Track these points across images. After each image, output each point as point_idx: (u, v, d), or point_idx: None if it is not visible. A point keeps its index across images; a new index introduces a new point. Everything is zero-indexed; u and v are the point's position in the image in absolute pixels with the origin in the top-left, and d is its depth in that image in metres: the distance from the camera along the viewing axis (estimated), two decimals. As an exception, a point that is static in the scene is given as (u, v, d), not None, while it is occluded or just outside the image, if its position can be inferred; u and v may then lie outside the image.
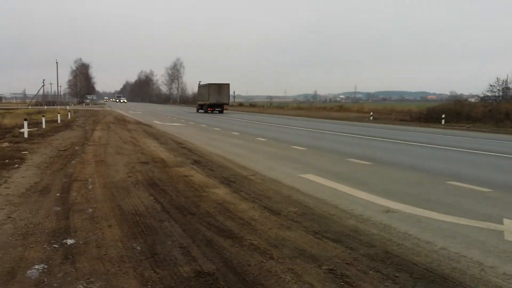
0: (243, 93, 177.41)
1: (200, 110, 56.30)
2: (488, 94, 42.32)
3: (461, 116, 33.51)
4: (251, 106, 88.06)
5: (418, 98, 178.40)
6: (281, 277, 4.17)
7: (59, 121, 29.59)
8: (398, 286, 4.04)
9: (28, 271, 4.28)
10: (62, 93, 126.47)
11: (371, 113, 43.11)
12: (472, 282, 4.16)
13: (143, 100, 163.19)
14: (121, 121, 32.64)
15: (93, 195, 7.56)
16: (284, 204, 7.00)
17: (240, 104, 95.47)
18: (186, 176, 9.38)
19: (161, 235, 5.39)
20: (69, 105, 74.44)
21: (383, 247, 5.03)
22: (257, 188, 8.25)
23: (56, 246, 5.01)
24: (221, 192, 7.86)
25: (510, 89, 41.35)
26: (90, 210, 6.59)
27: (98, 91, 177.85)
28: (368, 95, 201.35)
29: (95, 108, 76.27)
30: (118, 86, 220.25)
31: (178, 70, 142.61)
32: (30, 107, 77.02)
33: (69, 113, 39.57)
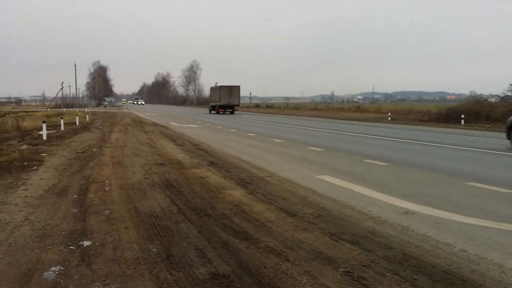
0: (260, 95, 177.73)
1: (212, 111, 58.36)
2: (509, 93, 41.55)
3: (481, 116, 33.04)
4: (267, 107, 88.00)
5: (437, 98, 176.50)
6: (297, 280, 4.13)
7: (77, 123, 29.90)
8: (416, 289, 3.98)
9: (45, 273, 4.31)
10: (80, 96, 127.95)
11: (389, 114, 42.76)
12: (492, 285, 4.07)
13: (160, 102, 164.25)
14: (138, 123, 32.87)
15: (110, 197, 7.60)
16: (301, 205, 6.95)
17: (257, 106, 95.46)
18: (202, 177, 9.38)
19: (177, 236, 5.39)
20: (87, 107, 75.18)
21: (401, 249, 4.95)
22: (273, 189, 8.21)
23: (72, 248, 5.03)
24: (237, 193, 7.84)
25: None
26: (107, 211, 6.63)
27: (115, 93, 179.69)
28: (386, 95, 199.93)
29: (113, 110, 76.93)
30: (135, 88, 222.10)
31: (194, 72, 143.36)
32: (49, 109, 77.98)
33: (87, 116, 39.96)
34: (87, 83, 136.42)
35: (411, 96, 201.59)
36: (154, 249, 4.94)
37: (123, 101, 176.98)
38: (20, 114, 52.02)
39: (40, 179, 9.33)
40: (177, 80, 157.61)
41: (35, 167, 10.76)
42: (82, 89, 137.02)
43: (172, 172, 10.01)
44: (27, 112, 62.50)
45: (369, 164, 11.60)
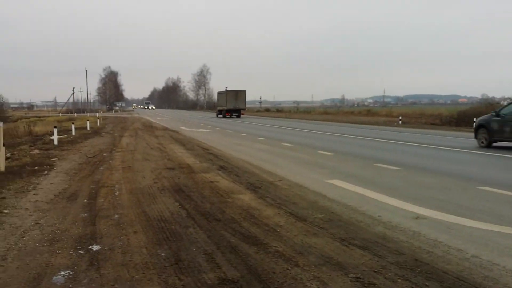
0: (270, 98, 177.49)
1: (219, 115, 60.32)
2: (522, 96, 41.16)
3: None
4: (277, 111, 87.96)
5: (449, 102, 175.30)
6: (306, 285, 4.09)
7: (88, 128, 30.07)
8: (428, 296, 3.92)
9: (54, 277, 4.30)
10: (91, 101, 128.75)
11: (400, 117, 42.47)
12: (506, 292, 4.00)
13: (170, 106, 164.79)
14: (149, 127, 33.00)
15: (120, 201, 7.61)
16: (310, 210, 6.91)
17: (267, 110, 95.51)
18: (211, 182, 9.37)
19: (185, 241, 5.37)
20: (98, 112, 75.66)
21: (412, 255, 4.89)
22: (283, 194, 8.17)
23: (82, 252, 5.03)
24: (246, 198, 7.81)
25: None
26: (116, 216, 6.63)
27: (126, 98, 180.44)
28: (397, 99, 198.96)
29: (124, 115, 77.38)
30: (146, 93, 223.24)
31: (204, 77, 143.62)
32: (60, 114, 78.63)
33: (98, 120, 40.22)
34: (98, 88, 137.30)
35: (423, 100, 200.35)
36: (163, 254, 4.92)
37: (134, 106, 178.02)
38: (31, 119, 52.61)
39: (51, 183, 9.37)
40: (187, 85, 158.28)
41: (46, 172, 10.82)
42: (93, 94, 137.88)
43: (182, 177, 10.01)
44: (39, 117, 63.15)
45: (379, 168, 11.52)
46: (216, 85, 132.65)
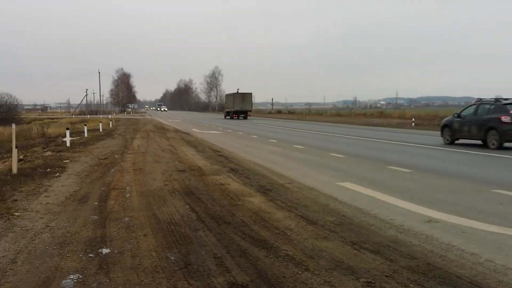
0: (282, 100, 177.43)
1: (227, 117, 62.53)
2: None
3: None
4: (289, 113, 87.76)
5: (462, 103, 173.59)
6: (316, 290, 4.03)
7: (100, 130, 30.25)
8: (440, 302, 3.84)
9: (63, 281, 4.30)
10: (104, 103, 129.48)
11: (413, 119, 42.13)
12: (521, 298, 3.91)
13: (182, 108, 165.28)
14: (161, 129, 33.10)
15: (130, 204, 7.61)
16: (321, 213, 6.84)
17: (279, 111, 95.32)
18: (222, 184, 9.34)
19: (195, 244, 5.34)
20: (111, 114, 76.09)
21: (424, 259, 4.81)
22: (293, 196, 8.12)
23: (91, 255, 5.03)
24: (256, 200, 7.77)
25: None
26: (127, 219, 6.62)
27: (139, 100, 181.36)
28: (410, 100, 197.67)
29: (136, 116, 77.76)
30: (158, 95, 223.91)
31: (216, 78, 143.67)
32: (73, 116, 79.18)
33: (110, 122, 40.44)
34: (111, 90, 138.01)
35: (436, 101, 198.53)
36: (172, 257, 4.89)
37: (146, 107, 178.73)
38: (45, 120, 53.04)
39: (62, 185, 9.41)
40: (199, 87, 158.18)
41: (58, 174, 10.86)
42: (106, 96, 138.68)
43: (192, 179, 10.00)
44: (52, 119, 63.66)
45: (392, 170, 11.41)
46: (228, 87, 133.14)
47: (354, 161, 13.42)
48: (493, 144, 16.47)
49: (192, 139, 22.79)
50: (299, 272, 4.43)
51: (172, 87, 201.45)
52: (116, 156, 14.97)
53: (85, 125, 27.73)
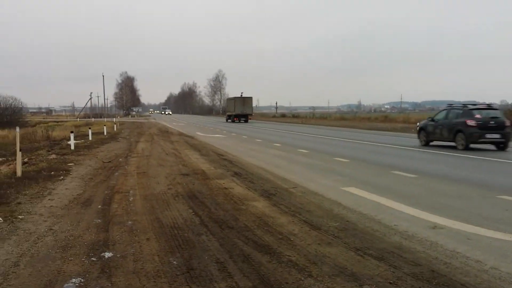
0: (286, 104, 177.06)
1: (228, 120, 63.73)
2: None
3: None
4: (293, 117, 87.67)
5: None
6: (320, 297, 4.00)
7: (105, 133, 30.30)
8: (445, 309, 3.80)
9: (65, 285, 4.29)
10: (108, 106, 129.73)
11: (418, 123, 42.00)
12: (527, 306, 3.86)
13: (186, 111, 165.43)
14: (165, 132, 33.14)
15: (133, 207, 7.60)
16: (325, 218, 6.81)
17: (283, 115, 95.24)
18: (226, 188, 9.32)
19: (198, 249, 5.32)
20: (115, 117, 76.24)
21: (429, 266, 4.77)
22: (297, 201, 8.09)
23: (94, 259, 5.01)
24: (260, 205, 7.74)
25: None
26: (130, 222, 6.61)
27: (143, 103, 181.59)
28: (415, 104, 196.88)
29: (140, 120, 77.90)
30: (162, 98, 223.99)
31: (220, 82, 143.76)
32: (78, 119, 79.42)
33: (115, 125, 40.50)
34: (115, 94, 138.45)
35: (440, 105, 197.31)
36: (174, 262, 4.87)
37: (151, 111, 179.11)
38: (50, 123, 53.31)
39: (66, 189, 9.41)
40: (203, 90, 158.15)
41: (62, 177, 10.88)
42: (110, 100, 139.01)
43: (196, 183, 9.98)
44: (57, 122, 63.96)
45: (396, 175, 11.36)
46: (232, 91, 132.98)
47: (359, 166, 13.37)
48: (461, 145, 18.13)
49: (196, 143, 22.80)
50: (302, 278, 4.40)
51: (176, 90, 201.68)
52: (120, 159, 14.98)
53: (90, 128, 27.78)
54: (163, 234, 5.97)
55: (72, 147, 18.54)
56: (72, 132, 20.11)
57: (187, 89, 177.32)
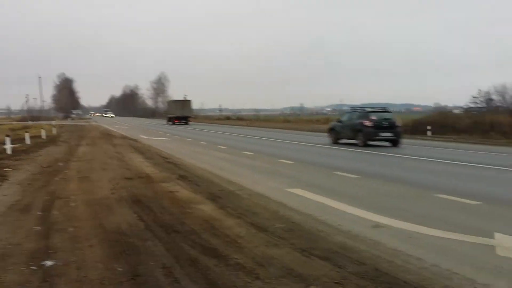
0: (230, 106, 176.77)
1: (169, 122, 64.71)
2: (472, 105, 42.79)
3: (447, 127, 33.59)
4: (238, 119, 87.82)
5: (403, 110, 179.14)
6: (268, 299, 4.02)
7: (43, 137, 29.21)
8: (388, 306, 3.91)
9: (4, 296, 4.10)
10: (46, 108, 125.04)
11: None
12: (464, 300, 4.04)
13: (129, 114, 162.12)
14: (107, 136, 32.36)
15: (75, 213, 7.38)
16: (271, 220, 6.86)
17: (228, 117, 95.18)
18: (171, 192, 9.21)
19: (143, 255, 5.23)
20: (54, 120, 73.56)
21: (373, 265, 4.90)
22: (243, 203, 8.11)
23: (34, 268, 4.83)
24: (206, 208, 7.71)
25: (493, 100, 41.88)
26: (71, 229, 6.41)
27: (83, 106, 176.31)
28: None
29: (81, 123, 75.72)
30: (103, 101, 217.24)
31: (163, 84, 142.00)
32: (14, 122, 76.14)
33: (53, 129, 39.12)
34: (53, 96, 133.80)
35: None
36: (119, 269, 4.76)
37: (92, 113, 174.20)
38: (-17, 127, 50.64)
39: (3, 195, 9.02)
40: (145, 93, 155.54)
41: (-3, 183, 10.39)
42: (48, 102, 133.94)
43: (140, 187, 9.81)
44: (-9, 125, 60.94)
45: (339, 176, 11.62)
46: (175, 93, 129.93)
47: (303, 167, 13.58)
48: (361, 142, 20.90)
49: (140, 146, 22.40)
50: (250, 281, 4.41)
51: (117, 92, 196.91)
52: (61, 164, 14.48)
53: (27, 131, 26.70)
54: (107, 240, 5.82)
55: (9, 152, 17.76)
56: (7, 135, 19.24)
57: (129, 91, 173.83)
